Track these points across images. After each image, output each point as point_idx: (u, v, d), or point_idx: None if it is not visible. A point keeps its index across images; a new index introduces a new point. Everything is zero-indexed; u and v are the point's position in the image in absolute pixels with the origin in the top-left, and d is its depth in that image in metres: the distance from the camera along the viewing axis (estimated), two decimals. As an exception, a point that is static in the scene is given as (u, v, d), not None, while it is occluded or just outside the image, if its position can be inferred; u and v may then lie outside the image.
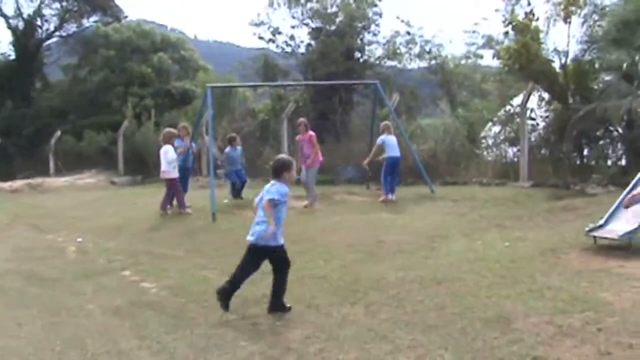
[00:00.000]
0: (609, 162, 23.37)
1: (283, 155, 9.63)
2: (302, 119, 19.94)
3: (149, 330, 8.18)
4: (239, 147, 19.46)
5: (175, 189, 17.71)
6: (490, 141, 26.12)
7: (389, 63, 30.73)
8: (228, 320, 8.32)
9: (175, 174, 17.69)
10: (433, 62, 30.96)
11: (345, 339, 7.47)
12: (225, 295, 8.60)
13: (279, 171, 8.79)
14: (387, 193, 18.94)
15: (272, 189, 8.60)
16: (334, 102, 27.81)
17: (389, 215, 16.73)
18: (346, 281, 10.10)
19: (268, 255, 8.75)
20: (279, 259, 8.79)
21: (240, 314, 8.54)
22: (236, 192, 19.42)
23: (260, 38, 30.99)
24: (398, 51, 30.42)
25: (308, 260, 11.62)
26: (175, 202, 18.16)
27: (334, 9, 29.35)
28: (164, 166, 17.55)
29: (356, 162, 20.80)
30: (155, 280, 10.71)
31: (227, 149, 19.39)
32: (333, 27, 28.92)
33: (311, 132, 19.17)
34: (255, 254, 8.76)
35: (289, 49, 30.63)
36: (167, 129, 18.46)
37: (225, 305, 8.60)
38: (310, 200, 18.57)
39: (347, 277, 10.32)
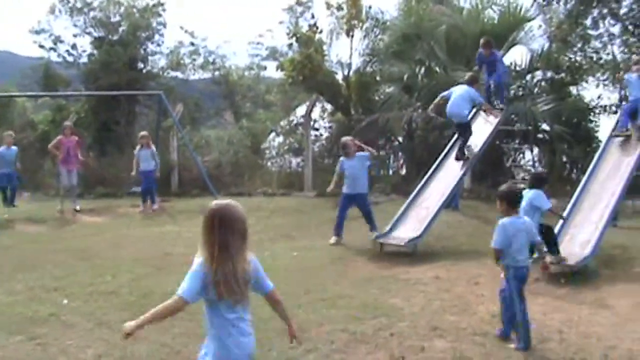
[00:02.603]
0: (391, 172, 24.14)
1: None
2: (68, 123, 19.92)
3: None
4: (13, 147, 18.36)
5: None
6: (274, 152, 26.35)
7: (173, 74, 30.30)
8: (15, 341, 7.84)
9: None
10: (217, 73, 30.86)
11: (140, 355, 7.27)
12: None
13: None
14: (154, 203, 19.07)
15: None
16: (117, 113, 27.13)
17: (175, 228, 16.47)
18: (136, 296, 9.82)
19: None
20: None
21: (28, 334, 8.07)
22: (9, 199, 18.27)
23: (41, 47, 29.68)
24: (182, 62, 30.04)
25: (96, 275, 11.22)
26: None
27: (117, 18, 28.55)
28: None
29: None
30: None
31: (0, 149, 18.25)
32: (116, 37, 28.15)
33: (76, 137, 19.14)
34: None
35: (70, 59, 29.50)
36: None
37: None
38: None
39: (137, 292, 10.04)
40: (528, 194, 10.44)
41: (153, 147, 19.22)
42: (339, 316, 8.40)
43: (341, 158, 13.81)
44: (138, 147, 18.98)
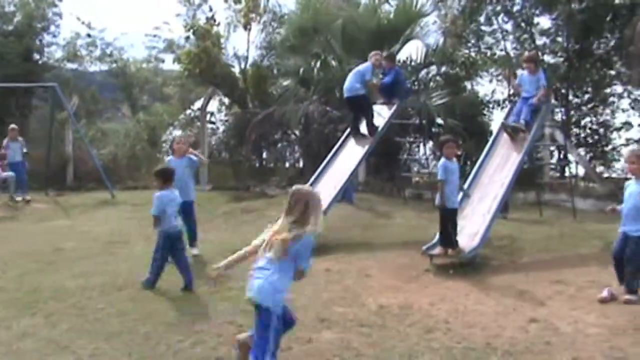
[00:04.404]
0: (287, 164, 24.24)
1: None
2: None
3: None
4: None
5: None
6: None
7: (70, 65, 29.72)
8: None
9: None
10: (114, 65, 30.39)
11: (26, 352, 7.13)
12: None
13: None
14: (25, 194, 19.18)
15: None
16: (11, 106, 26.52)
17: (68, 222, 16.27)
18: (24, 292, 9.62)
19: None
20: None
21: None
22: None
23: None
24: (79, 53, 29.51)
25: (-17, 271, 10.98)
26: None
27: (12, 8, 27.85)
28: None
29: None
30: None
31: None
32: (11, 27, 27.47)
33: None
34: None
35: (-37, 49, 28.75)
36: None
37: None
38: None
39: (26, 288, 9.84)
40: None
41: (21, 139, 19.51)
42: (227, 309, 8.42)
43: (169, 157, 12.54)
44: (6, 140, 19.18)
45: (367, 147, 14.54)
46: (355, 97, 14.84)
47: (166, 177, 9.82)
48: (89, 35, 29.41)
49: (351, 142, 14.97)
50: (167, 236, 9.65)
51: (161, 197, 9.59)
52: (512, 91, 20.18)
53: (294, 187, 6.17)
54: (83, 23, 29.36)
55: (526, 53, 18.30)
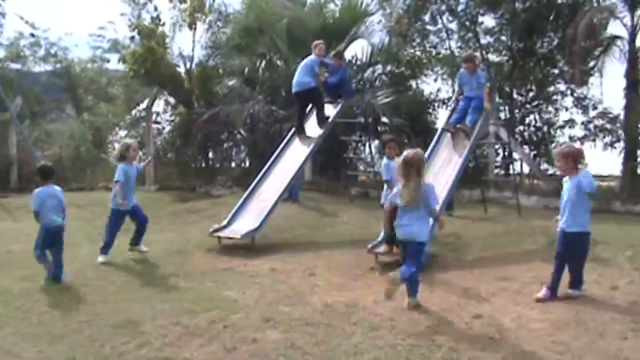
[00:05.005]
0: (233, 164, 24.20)
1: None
2: None
3: None
4: None
5: None
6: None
7: (13, 66, 29.33)
8: None
9: None
10: (59, 65, 30.05)
11: (-32, 355, 7.02)
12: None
13: None
14: None
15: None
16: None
17: (12, 224, 16.09)
18: (-25, 294, 9.48)
19: None
20: None
21: None
22: None
23: None
24: (22, 53, 29.18)
25: None
26: None
27: (-48, 7, 27.49)
28: None
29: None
30: None
31: None
32: (-49, 27, 27.15)
33: None
34: None
35: None
36: None
37: None
38: None
39: (-23, 290, 9.70)
40: None
41: None
42: (173, 310, 8.38)
43: (121, 165, 11.92)
44: None
45: (312, 146, 14.57)
46: (306, 90, 14.99)
47: (45, 175, 10.30)
48: (32, 35, 29.17)
49: (296, 141, 14.99)
50: (47, 231, 10.06)
51: (39, 193, 10.06)
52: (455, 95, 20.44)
53: (405, 155, 8.47)
54: (27, 23, 29.13)
55: (464, 53, 18.49)
